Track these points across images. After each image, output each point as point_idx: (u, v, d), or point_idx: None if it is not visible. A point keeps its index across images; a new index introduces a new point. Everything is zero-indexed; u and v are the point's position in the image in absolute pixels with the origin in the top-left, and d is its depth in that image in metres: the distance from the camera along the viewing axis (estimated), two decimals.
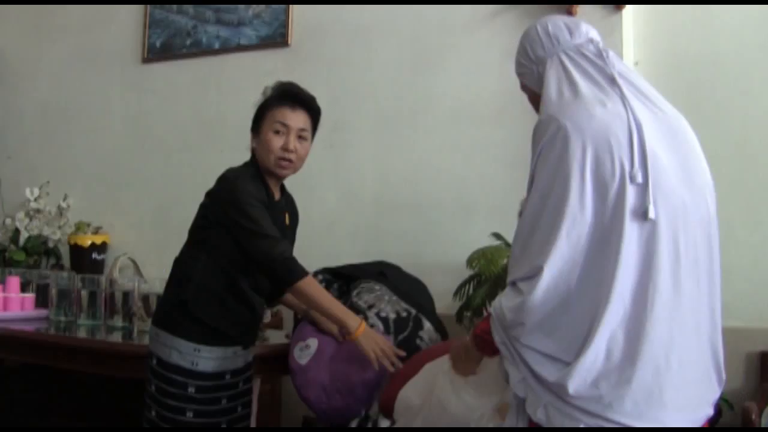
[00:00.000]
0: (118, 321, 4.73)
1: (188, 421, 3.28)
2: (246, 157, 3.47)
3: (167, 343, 3.31)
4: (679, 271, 2.13)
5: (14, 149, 6.83)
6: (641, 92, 2.31)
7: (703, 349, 2.20)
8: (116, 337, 4.49)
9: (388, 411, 3.26)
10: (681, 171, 2.22)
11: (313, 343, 3.70)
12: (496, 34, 4.94)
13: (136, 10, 6.34)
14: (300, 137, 3.40)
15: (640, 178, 2.11)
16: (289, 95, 3.44)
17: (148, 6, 6.27)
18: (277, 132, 3.36)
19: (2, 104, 6.95)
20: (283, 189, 3.59)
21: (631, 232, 2.09)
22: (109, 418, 5.15)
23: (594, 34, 2.48)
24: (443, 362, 3.05)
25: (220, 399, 3.38)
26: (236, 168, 3.41)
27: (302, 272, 3.23)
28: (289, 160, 3.37)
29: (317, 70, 5.47)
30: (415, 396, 3.11)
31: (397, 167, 5.20)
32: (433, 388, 2.97)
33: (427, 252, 4.91)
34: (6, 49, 7.00)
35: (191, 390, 3.29)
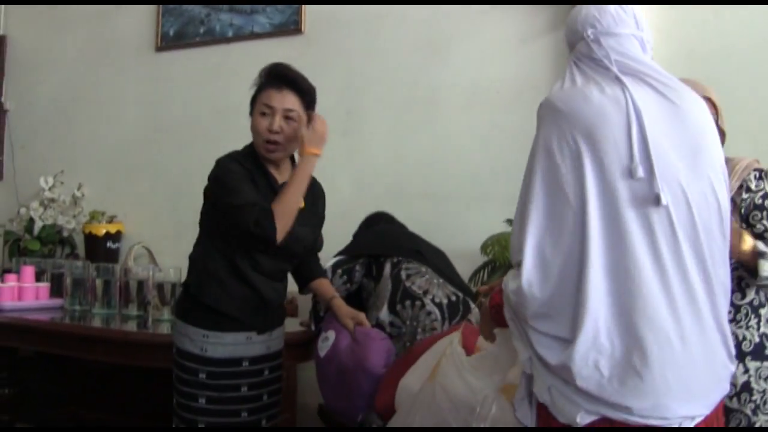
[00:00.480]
0: (133, 310, 4.75)
1: (201, 408, 3.27)
2: None
3: (181, 331, 3.34)
4: (679, 253, 2.11)
5: (28, 139, 6.84)
6: (649, 75, 2.29)
7: (707, 327, 2.17)
8: (131, 326, 4.50)
9: (385, 410, 3.26)
10: (684, 154, 2.20)
11: (331, 335, 3.71)
12: (510, 20, 4.93)
13: None
14: (287, 117, 3.37)
15: (640, 172, 2.09)
16: (274, 76, 3.43)
17: None
18: (263, 114, 3.36)
19: (16, 94, 6.95)
20: None
21: (626, 216, 2.09)
22: (123, 407, 5.15)
23: (619, 19, 2.45)
24: (444, 346, 3.06)
25: (239, 386, 3.33)
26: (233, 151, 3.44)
27: (270, 220, 3.13)
28: (275, 142, 3.34)
29: (331, 58, 5.47)
30: (415, 382, 3.13)
31: (412, 154, 5.19)
32: (435, 375, 2.98)
33: (442, 239, 4.88)
34: (19, 39, 7.00)
35: (202, 376, 3.27)
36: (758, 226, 2.98)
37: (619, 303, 2.06)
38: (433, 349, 3.18)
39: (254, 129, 3.38)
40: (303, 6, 5.65)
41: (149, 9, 6.33)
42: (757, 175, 3.03)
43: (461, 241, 4.75)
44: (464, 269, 4.51)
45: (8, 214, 6.56)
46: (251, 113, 3.45)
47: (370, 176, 5.31)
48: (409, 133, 5.21)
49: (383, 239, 4.26)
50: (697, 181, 2.19)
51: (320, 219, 3.64)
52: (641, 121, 2.14)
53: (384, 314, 3.76)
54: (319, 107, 5.48)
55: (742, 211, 3.01)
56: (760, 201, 2.99)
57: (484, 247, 4.40)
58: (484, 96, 4.98)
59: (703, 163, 2.23)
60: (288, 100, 3.38)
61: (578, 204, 2.11)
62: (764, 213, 2.98)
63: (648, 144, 2.11)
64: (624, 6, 2.48)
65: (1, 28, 7.05)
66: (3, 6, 7.05)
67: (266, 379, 3.45)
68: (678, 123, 2.22)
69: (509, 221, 4.45)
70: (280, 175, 3.45)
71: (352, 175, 5.36)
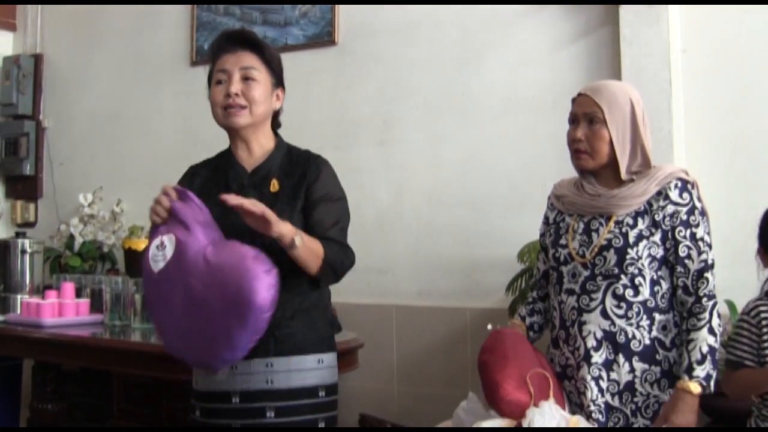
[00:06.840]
0: None
1: None
2: None
3: None
4: None
5: (67, 156, 6.89)
6: None
7: None
8: None
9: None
10: None
11: (169, 241, 3.01)
12: (542, 26, 4.90)
13: (184, 13, 6.35)
14: (247, 78, 2.97)
15: None
16: (224, 41, 3.05)
17: (195, 9, 6.27)
18: (219, 82, 2.99)
19: (53, 111, 7.02)
20: (280, 149, 3.15)
21: None
22: (165, 421, 5.17)
23: None
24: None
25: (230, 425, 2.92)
26: None
27: None
28: (238, 106, 2.97)
29: (365, 68, 5.47)
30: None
31: (448, 162, 5.18)
32: None
33: (479, 246, 4.89)
34: (55, 57, 7.07)
35: (198, 413, 3.02)
36: (682, 246, 2.93)
37: None
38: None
39: (212, 102, 3.07)
40: (336, 17, 5.63)
41: (184, 23, 6.35)
42: (680, 185, 2.95)
43: (498, 248, 4.73)
44: (501, 277, 4.49)
45: (49, 231, 6.61)
46: (210, 97, 3.11)
47: (408, 185, 5.29)
48: (445, 140, 5.20)
49: None
50: None
51: (297, 200, 3.01)
52: None
53: None
54: (355, 117, 5.52)
55: (664, 220, 2.93)
56: (686, 217, 2.93)
57: (521, 255, 4.36)
58: (519, 102, 4.95)
59: None
60: (244, 59, 2.98)
61: None
62: (688, 232, 2.93)
63: None
64: None
65: (37, 47, 7.12)
66: (39, 25, 7.13)
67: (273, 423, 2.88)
68: None
69: None
70: (252, 157, 3.15)
71: (389, 184, 5.34)
